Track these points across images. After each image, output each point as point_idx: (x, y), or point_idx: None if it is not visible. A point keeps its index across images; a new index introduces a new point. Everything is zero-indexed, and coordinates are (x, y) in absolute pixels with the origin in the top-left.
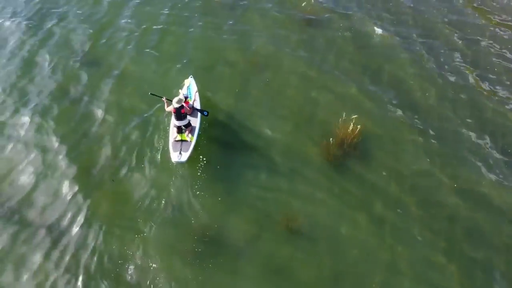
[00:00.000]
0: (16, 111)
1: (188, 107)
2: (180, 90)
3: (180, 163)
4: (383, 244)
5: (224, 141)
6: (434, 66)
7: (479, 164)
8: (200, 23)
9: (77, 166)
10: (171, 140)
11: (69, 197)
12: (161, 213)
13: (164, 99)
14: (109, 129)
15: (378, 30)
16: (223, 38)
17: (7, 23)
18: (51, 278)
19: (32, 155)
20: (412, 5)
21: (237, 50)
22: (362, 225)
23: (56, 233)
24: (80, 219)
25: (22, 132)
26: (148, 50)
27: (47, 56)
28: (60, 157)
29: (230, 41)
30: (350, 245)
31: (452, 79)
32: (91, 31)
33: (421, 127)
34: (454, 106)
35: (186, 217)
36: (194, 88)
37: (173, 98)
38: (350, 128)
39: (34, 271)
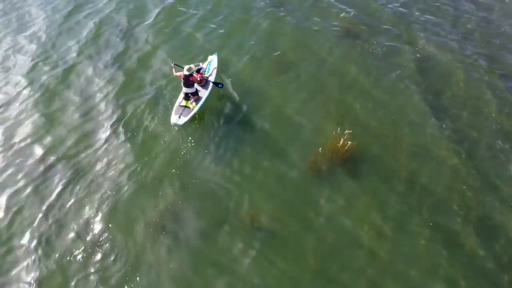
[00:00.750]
0: (75, 64)
1: (199, 78)
2: (200, 63)
3: (177, 125)
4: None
5: (232, 126)
6: (491, 94)
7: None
8: (264, 13)
9: (111, 118)
10: (176, 104)
11: (97, 141)
12: (142, 176)
13: (172, 64)
14: (147, 91)
15: (438, 50)
16: (281, 31)
17: None
18: (63, 207)
19: (77, 100)
20: (479, 26)
21: (290, 44)
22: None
23: (76, 169)
24: (98, 159)
25: (76, 81)
26: (204, 29)
27: (119, 21)
28: (95, 112)
29: (287, 35)
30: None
31: None
32: (162, 5)
33: (459, 149)
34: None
35: (160, 188)
36: (214, 64)
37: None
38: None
39: (50, 198)
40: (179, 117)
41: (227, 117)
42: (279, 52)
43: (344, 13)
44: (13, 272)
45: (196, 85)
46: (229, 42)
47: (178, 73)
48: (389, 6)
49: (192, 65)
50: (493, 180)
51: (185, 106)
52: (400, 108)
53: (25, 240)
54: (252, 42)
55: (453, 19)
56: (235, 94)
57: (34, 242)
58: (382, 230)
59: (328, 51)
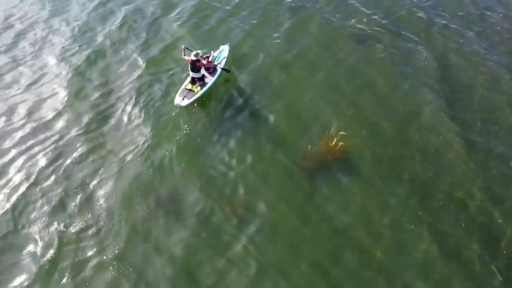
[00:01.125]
0: (100, 49)
1: (205, 63)
2: (212, 51)
3: (180, 107)
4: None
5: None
6: (509, 106)
7: None
8: (288, 13)
9: (125, 101)
10: (182, 86)
11: (109, 121)
12: (145, 157)
13: (183, 47)
14: (163, 79)
15: (460, 59)
16: (302, 30)
17: None
18: (71, 180)
19: (97, 82)
20: (504, 38)
21: (310, 43)
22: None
23: (87, 145)
24: (108, 138)
25: (99, 64)
26: (227, 24)
27: (146, 11)
28: (112, 94)
29: (308, 35)
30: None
31: None
32: None
33: (467, 157)
34: None
35: (161, 170)
36: (225, 54)
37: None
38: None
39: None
40: (183, 99)
41: (235, 107)
42: (297, 51)
43: (366, 17)
44: (18, 240)
45: (203, 71)
46: (249, 38)
47: (186, 57)
48: (413, 13)
49: (199, 51)
50: (498, 191)
51: (190, 90)
52: (412, 113)
53: (33, 208)
54: (273, 39)
55: (478, 29)
56: (247, 86)
57: (42, 211)
58: (379, 229)
59: (347, 53)
